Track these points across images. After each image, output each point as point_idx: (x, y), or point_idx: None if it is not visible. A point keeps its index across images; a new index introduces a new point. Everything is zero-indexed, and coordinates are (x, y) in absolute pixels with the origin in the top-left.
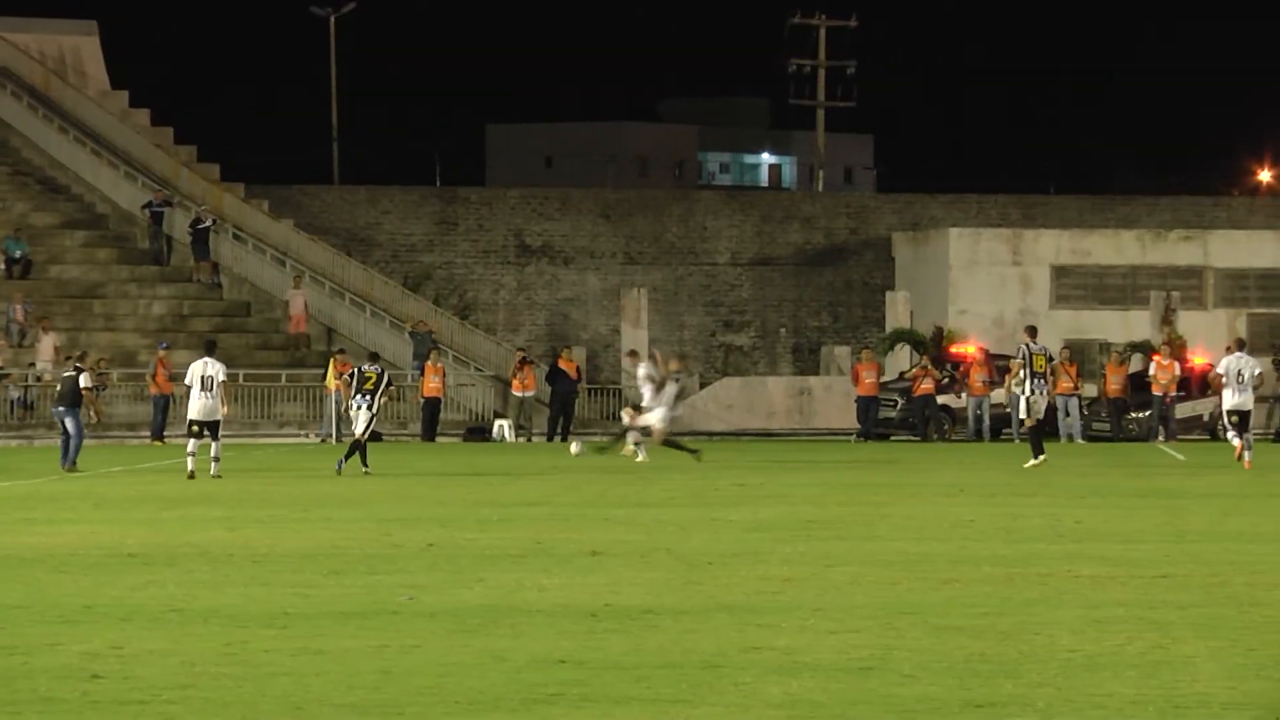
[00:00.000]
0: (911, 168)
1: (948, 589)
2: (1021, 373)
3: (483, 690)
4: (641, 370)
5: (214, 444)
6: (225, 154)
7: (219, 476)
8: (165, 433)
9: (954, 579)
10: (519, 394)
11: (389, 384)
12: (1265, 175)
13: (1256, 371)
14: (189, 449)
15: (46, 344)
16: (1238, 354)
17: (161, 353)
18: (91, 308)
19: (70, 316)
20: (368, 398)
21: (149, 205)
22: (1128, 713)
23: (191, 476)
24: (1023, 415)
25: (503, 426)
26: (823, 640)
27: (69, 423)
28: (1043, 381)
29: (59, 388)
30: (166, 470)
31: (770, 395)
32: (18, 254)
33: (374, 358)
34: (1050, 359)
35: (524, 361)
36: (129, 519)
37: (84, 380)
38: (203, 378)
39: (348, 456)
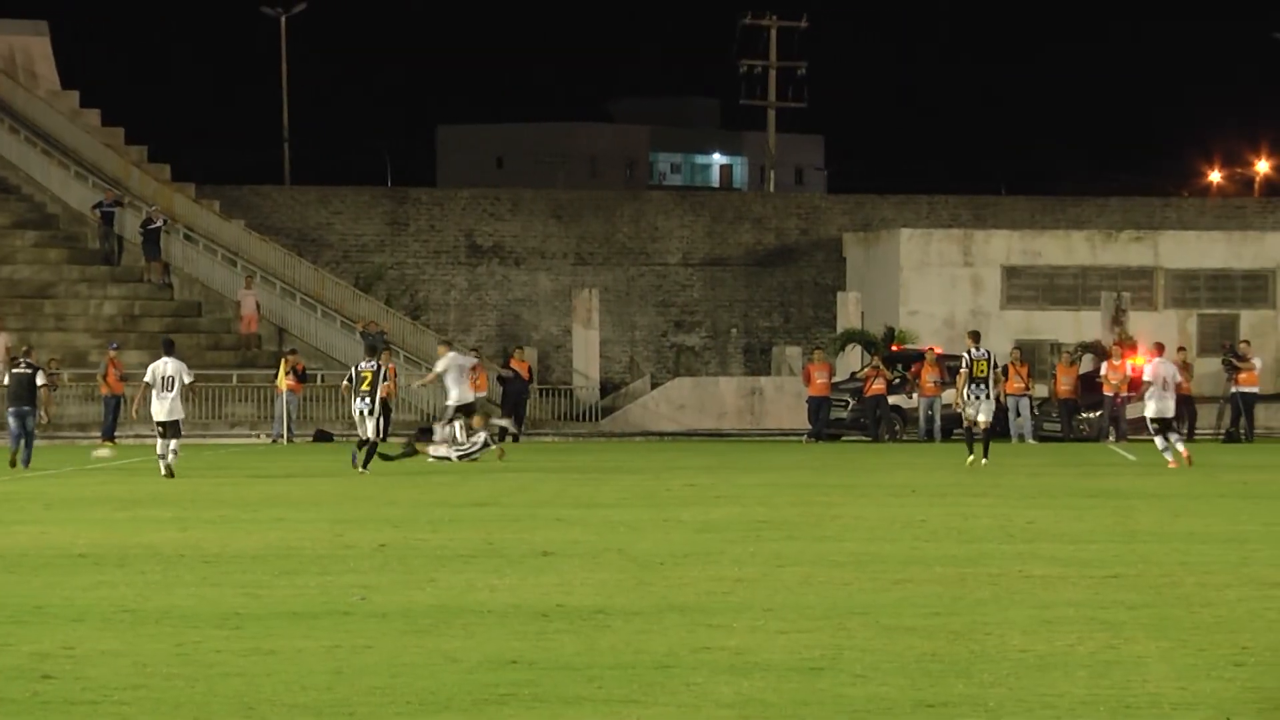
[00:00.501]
0: (862, 169)
1: (899, 589)
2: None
3: (434, 690)
4: (447, 360)
5: (171, 442)
6: (176, 154)
7: (171, 476)
8: (116, 433)
9: (905, 579)
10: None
11: (385, 378)
12: (1215, 176)
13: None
14: (159, 450)
15: None
16: (1161, 359)
17: (112, 353)
18: (42, 308)
19: (21, 317)
20: (367, 400)
21: (99, 205)
22: (1078, 713)
23: (169, 475)
24: (966, 421)
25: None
26: (774, 640)
27: (29, 421)
28: (984, 387)
29: (11, 386)
30: (118, 471)
31: (722, 395)
32: None
33: (371, 351)
34: (994, 364)
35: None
36: (80, 519)
37: (40, 378)
38: (163, 378)
39: (366, 460)
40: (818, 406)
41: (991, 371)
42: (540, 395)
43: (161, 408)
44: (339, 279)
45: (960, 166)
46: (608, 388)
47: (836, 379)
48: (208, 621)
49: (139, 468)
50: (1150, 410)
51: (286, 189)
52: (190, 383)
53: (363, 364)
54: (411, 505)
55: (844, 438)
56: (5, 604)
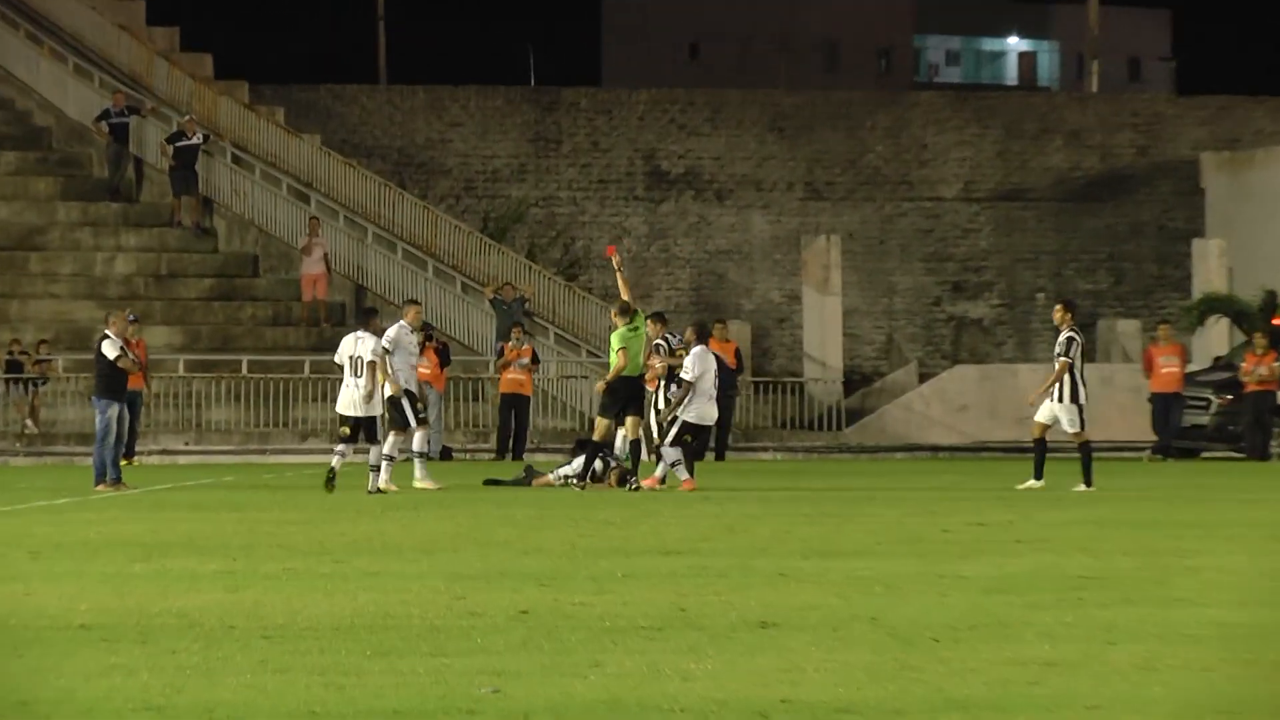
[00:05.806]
0: (1226, 59)
1: None
2: None
3: None
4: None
5: (372, 448)
6: (220, 41)
7: (380, 491)
8: (136, 446)
9: None
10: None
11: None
12: None
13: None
14: (337, 449)
15: None
16: (705, 347)
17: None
18: (25, 264)
19: None
20: None
21: (106, 115)
22: None
23: (330, 483)
24: None
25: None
26: None
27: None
28: None
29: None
30: (134, 501)
31: (1022, 390)
32: None
33: (659, 318)
34: None
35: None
36: (82, 574)
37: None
38: (351, 359)
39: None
40: (1166, 407)
41: None
42: (755, 391)
43: (351, 399)
44: (459, 222)
45: None
46: (855, 381)
47: (1192, 367)
48: None
49: (164, 498)
50: (692, 415)
51: (382, 90)
52: (370, 361)
53: None
54: (566, 554)
55: (1204, 453)
56: None
